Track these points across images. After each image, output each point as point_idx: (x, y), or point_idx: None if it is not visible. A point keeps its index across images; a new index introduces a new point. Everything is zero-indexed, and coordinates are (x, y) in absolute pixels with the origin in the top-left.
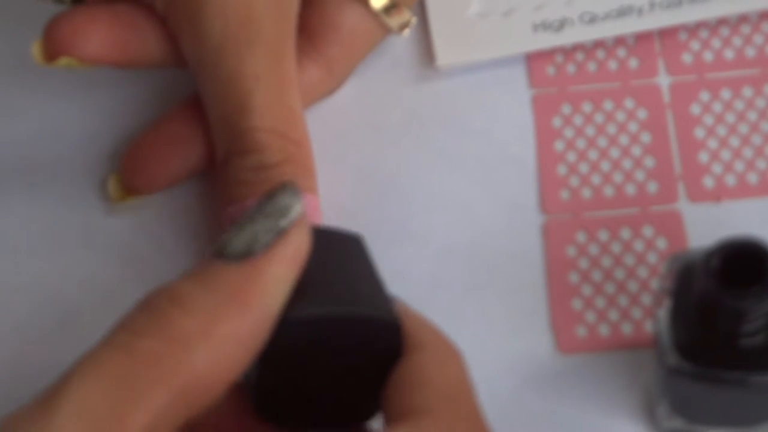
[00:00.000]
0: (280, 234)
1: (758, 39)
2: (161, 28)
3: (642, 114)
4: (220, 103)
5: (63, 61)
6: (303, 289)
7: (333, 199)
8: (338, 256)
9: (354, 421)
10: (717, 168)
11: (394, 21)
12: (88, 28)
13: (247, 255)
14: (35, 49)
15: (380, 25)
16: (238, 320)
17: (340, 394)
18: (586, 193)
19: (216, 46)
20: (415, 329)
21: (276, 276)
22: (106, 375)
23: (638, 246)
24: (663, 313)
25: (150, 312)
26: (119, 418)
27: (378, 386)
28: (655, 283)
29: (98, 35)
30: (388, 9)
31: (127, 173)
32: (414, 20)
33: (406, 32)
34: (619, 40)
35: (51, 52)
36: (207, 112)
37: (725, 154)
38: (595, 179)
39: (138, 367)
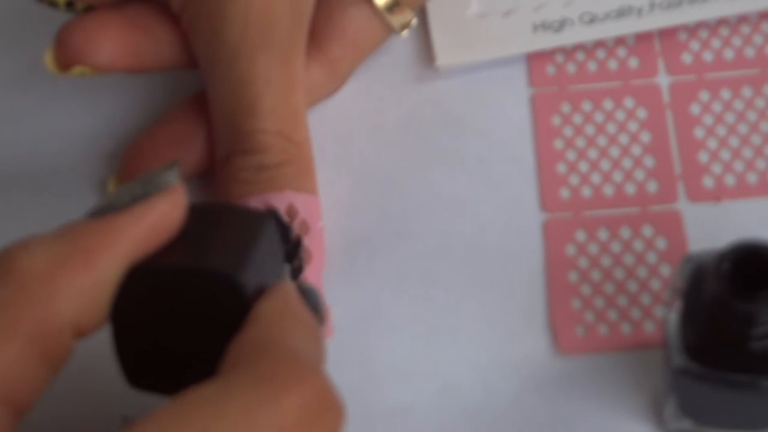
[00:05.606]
0: (144, 197)
1: (758, 39)
2: (174, 29)
3: (642, 113)
4: (228, 104)
5: (77, 69)
6: (162, 251)
7: (333, 199)
8: (219, 227)
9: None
10: (716, 168)
11: (396, 20)
12: (100, 35)
13: (107, 212)
14: (47, 58)
15: (384, 26)
16: (82, 268)
17: (197, 358)
18: (586, 191)
19: (232, 49)
20: (271, 315)
21: (130, 236)
22: None
23: (638, 245)
24: (673, 314)
25: None
26: None
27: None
28: (654, 283)
29: (111, 42)
30: (391, 7)
31: (126, 173)
32: (414, 21)
33: (405, 33)
34: (619, 40)
35: (64, 62)
36: (212, 110)
37: (725, 154)
38: (595, 178)
39: None
